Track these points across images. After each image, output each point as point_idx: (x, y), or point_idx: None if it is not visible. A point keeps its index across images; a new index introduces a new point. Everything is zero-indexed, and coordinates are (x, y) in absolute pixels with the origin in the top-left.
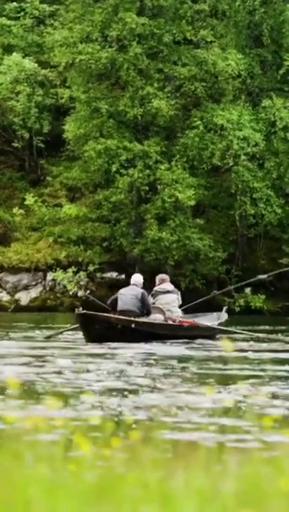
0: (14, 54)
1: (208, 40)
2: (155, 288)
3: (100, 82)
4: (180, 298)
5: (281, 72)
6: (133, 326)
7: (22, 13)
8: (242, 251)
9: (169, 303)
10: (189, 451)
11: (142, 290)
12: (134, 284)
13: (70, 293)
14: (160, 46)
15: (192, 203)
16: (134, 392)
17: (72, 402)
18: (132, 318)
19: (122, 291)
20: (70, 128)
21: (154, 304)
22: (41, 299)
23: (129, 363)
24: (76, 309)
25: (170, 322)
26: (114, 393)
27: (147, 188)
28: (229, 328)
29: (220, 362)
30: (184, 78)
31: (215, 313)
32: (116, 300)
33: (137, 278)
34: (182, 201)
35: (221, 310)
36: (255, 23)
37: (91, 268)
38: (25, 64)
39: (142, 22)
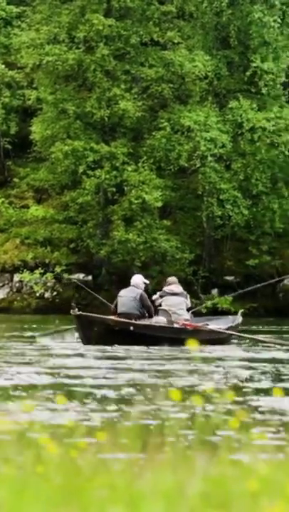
0: None
1: (175, 41)
2: (163, 289)
3: (67, 83)
4: (188, 301)
5: (248, 73)
6: (132, 328)
7: None
8: (209, 252)
9: (175, 305)
10: (157, 452)
11: (140, 291)
12: (133, 286)
13: (37, 294)
14: (127, 47)
15: (159, 204)
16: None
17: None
18: (131, 321)
19: (121, 292)
20: (37, 129)
21: (160, 305)
22: (8, 300)
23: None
24: (72, 311)
25: (175, 325)
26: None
27: (114, 189)
28: (237, 333)
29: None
30: (151, 79)
31: (230, 317)
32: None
33: (137, 279)
34: (149, 202)
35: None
36: (222, 25)
37: (58, 269)
38: None
39: (109, 23)
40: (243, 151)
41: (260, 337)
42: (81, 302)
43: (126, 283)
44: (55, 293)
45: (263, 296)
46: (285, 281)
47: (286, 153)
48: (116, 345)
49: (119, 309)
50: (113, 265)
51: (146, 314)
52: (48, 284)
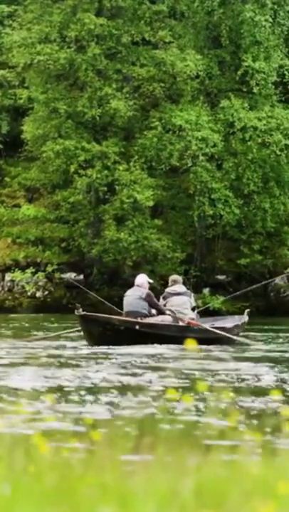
0: None
1: (167, 40)
2: (166, 289)
3: (58, 82)
4: (193, 300)
5: (239, 72)
6: (137, 327)
7: None
8: (200, 251)
9: (180, 305)
10: (149, 451)
11: (146, 291)
12: (137, 285)
13: (29, 293)
14: (118, 47)
15: (150, 203)
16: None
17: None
18: (136, 320)
19: (128, 292)
20: (29, 128)
21: (165, 306)
22: (0, 299)
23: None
24: (76, 311)
25: (180, 323)
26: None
27: (106, 188)
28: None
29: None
30: (143, 79)
31: (236, 316)
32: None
33: (141, 279)
34: (140, 202)
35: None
36: (214, 24)
37: (49, 269)
38: None
39: (101, 23)
40: (235, 151)
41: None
42: (72, 302)
43: (117, 282)
44: (46, 292)
45: (254, 295)
46: (277, 281)
47: (277, 152)
48: (121, 344)
49: (126, 309)
50: (104, 264)
51: (155, 312)
52: (40, 284)
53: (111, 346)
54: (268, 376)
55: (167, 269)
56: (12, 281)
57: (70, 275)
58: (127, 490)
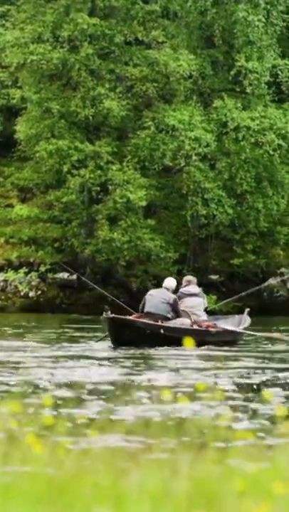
0: None
1: (160, 40)
2: (181, 290)
3: (51, 82)
4: (206, 301)
5: (232, 72)
6: (162, 331)
7: None
8: (193, 251)
9: (194, 306)
10: (142, 451)
11: (174, 296)
12: (165, 288)
13: (22, 293)
14: (111, 47)
15: (143, 203)
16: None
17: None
18: (161, 324)
19: (152, 292)
20: (22, 128)
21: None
22: None
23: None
24: (104, 313)
25: (195, 327)
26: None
27: (99, 188)
28: (251, 332)
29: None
30: (136, 79)
31: (236, 316)
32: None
33: (170, 282)
34: (133, 202)
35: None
36: (207, 24)
37: (42, 268)
38: None
39: (94, 22)
40: (228, 151)
41: (274, 334)
42: (65, 302)
43: (110, 282)
44: (39, 292)
45: (247, 295)
46: (270, 280)
47: (270, 152)
48: (146, 347)
49: (148, 308)
50: (98, 264)
51: (170, 316)
52: (33, 284)
53: (135, 348)
54: (266, 376)
55: (160, 269)
56: (5, 281)
57: (63, 275)
58: (121, 490)
